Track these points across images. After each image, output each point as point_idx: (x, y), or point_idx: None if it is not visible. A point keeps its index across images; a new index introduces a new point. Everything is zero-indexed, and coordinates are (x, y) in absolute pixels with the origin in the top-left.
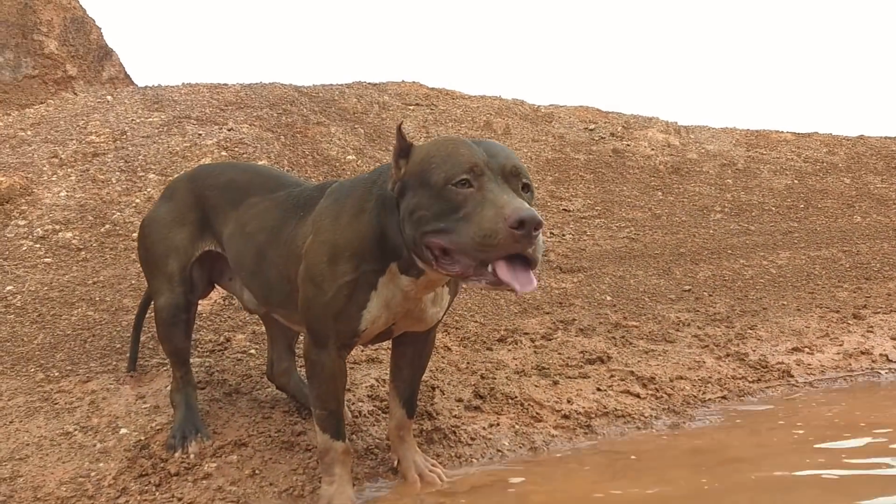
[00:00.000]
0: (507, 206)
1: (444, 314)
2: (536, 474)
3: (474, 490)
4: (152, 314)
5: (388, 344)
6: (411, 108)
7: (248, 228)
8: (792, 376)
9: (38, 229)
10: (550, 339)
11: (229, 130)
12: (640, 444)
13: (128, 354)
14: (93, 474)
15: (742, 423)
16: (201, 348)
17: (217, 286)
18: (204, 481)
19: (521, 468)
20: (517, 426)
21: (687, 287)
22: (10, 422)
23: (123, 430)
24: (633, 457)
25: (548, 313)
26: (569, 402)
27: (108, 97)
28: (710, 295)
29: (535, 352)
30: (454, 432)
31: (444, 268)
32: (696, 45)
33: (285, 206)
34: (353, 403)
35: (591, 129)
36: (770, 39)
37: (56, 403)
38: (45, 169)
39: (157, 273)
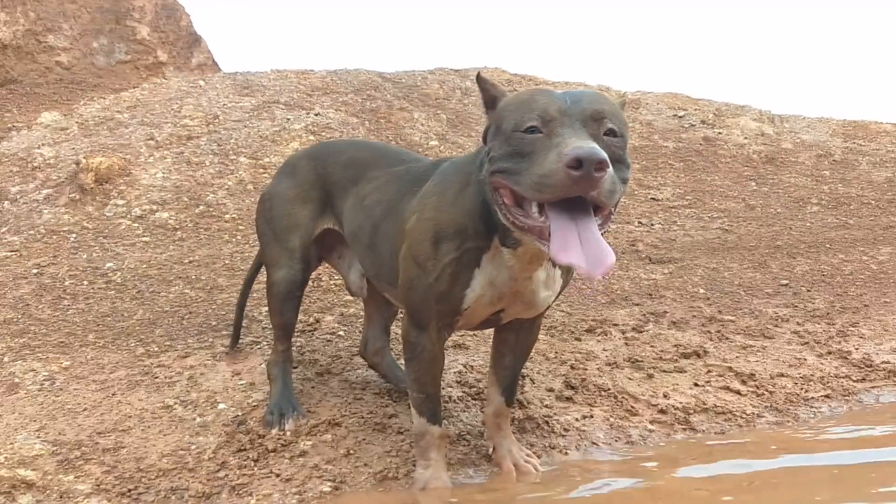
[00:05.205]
0: (568, 146)
1: (556, 299)
2: None
3: None
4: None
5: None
6: None
7: (367, 201)
8: None
9: (136, 209)
10: (642, 332)
11: (316, 115)
12: None
13: (224, 332)
14: (193, 448)
15: None
16: None
17: (325, 263)
18: (300, 458)
19: None
20: (612, 419)
21: (784, 281)
22: (113, 394)
23: (221, 406)
24: None
25: (637, 305)
26: (665, 396)
27: (201, 82)
28: (809, 290)
29: (626, 344)
30: (547, 422)
31: (514, 217)
32: (786, 31)
33: (403, 180)
34: (443, 389)
35: (680, 117)
36: (867, 28)
37: (156, 377)
38: (141, 151)
39: (276, 247)
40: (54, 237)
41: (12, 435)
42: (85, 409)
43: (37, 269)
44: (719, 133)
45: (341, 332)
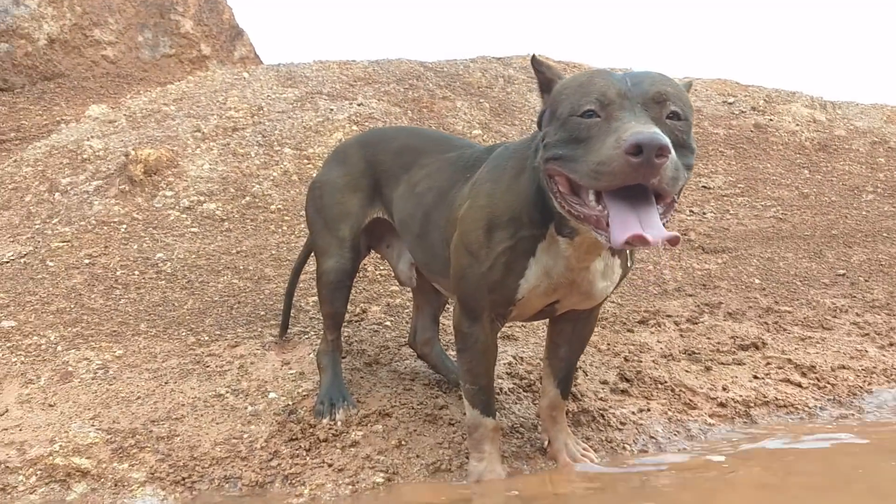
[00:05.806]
0: (628, 132)
1: (614, 289)
2: None
3: None
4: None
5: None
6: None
7: (418, 189)
8: None
9: (185, 200)
10: (697, 323)
11: (359, 105)
12: None
13: (272, 321)
14: (245, 436)
15: None
16: None
17: (374, 252)
18: (352, 449)
19: None
20: (670, 412)
21: (841, 271)
22: (166, 382)
23: (272, 395)
24: None
25: (691, 295)
26: (724, 389)
27: (245, 74)
28: (867, 280)
29: (681, 335)
30: (602, 415)
31: (569, 206)
32: (837, 15)
33: (455, 166)
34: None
35: (730, 103)
36: None
37: (208, 366)
38: (188, 142)
39: (326, 236)
40: (105, 228)
41: (67, 423)
42: (138, 398)
43: (88, 259)
44: (770, 120)
45: (388, 323)
